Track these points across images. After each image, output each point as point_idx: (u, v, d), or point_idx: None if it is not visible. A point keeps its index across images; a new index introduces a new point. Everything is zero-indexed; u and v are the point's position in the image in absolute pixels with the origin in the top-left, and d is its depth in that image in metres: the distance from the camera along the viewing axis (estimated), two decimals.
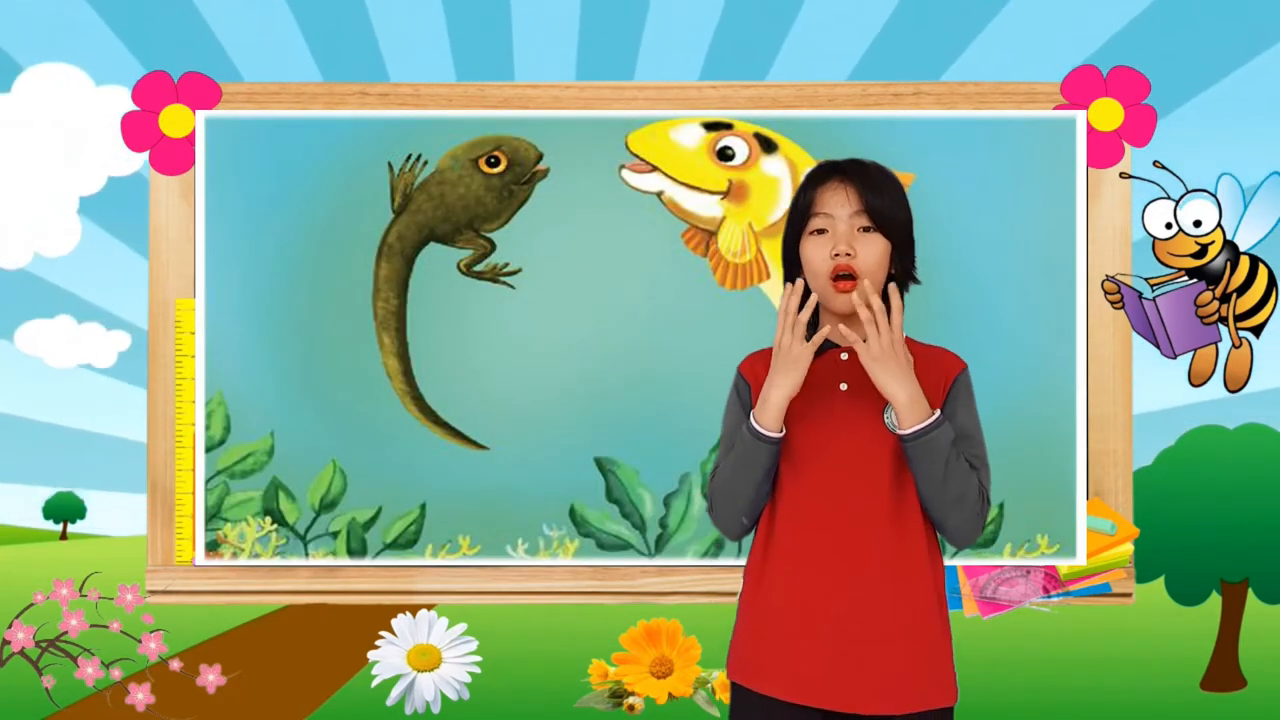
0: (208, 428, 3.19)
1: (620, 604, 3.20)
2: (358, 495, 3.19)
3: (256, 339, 3.19)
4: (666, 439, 3.17)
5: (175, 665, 3.10)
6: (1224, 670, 3.58)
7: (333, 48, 3.84)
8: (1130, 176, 3.14)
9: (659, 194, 3.20)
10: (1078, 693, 3.98)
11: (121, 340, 3.49)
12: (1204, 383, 3.09)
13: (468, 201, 3.20)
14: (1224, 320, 3.04)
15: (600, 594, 3.20)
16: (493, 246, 3.20)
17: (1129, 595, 3.19)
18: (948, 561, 3.09)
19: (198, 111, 3.18)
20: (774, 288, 3.18)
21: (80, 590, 3.10)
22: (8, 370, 3.70)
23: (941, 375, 2.09)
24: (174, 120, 3.18)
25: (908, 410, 2.00)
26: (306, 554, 3.19)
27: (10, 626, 3.10)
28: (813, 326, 2.08)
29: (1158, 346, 3.07)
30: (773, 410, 2.03)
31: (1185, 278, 3.05)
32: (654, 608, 3.15)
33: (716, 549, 3.19)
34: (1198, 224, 3.02)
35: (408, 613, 3.06)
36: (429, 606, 3.10)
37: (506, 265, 3.20)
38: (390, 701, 3.03)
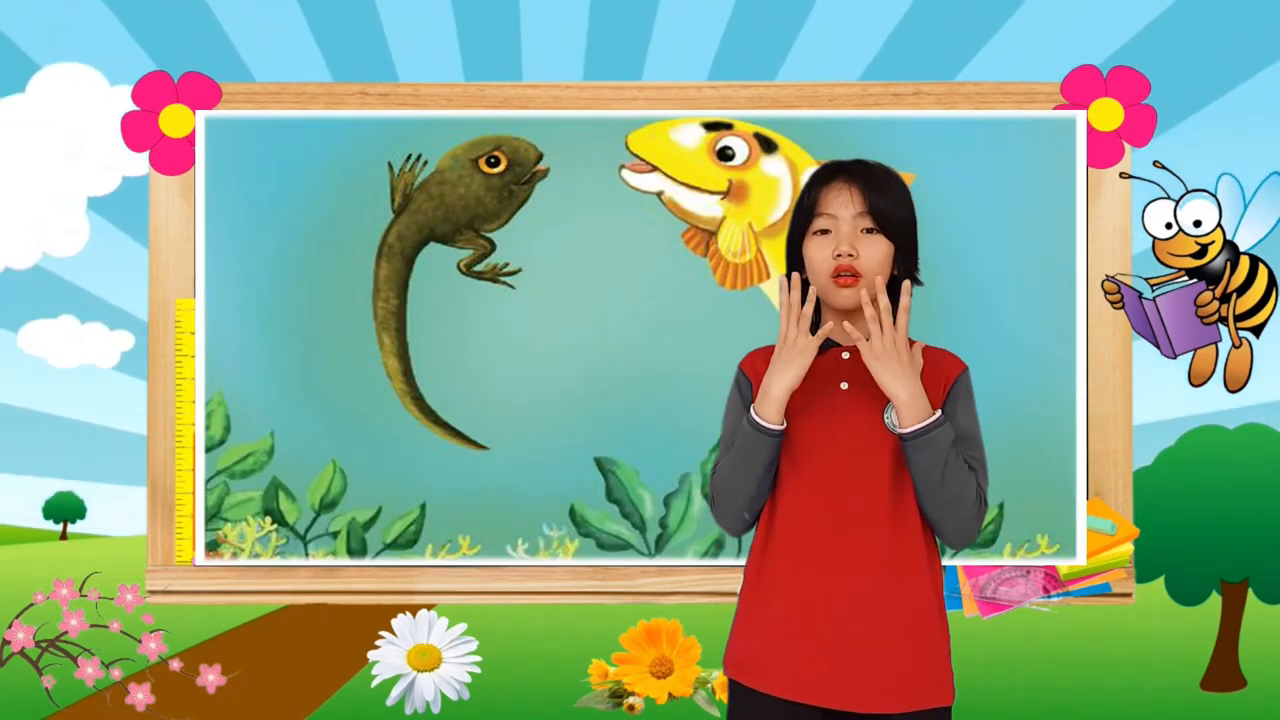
0: (208, 428, 3.19)
1: (620, 604, 3.20)
2: (358, 495, 3.19)
3: (256, 339, 3.19)
4: (666, 439, 3.17)
5: (175, 665, 3.10)
6: (1224, 670, 3.58)
7: (343, 48, 3.85)
8: (1130, 176, 3.14)
9: (659, 194, 3.20)
10: (1078, 693, 3.98)
11: (125, 340, 3.49)
12: (1204, 383, 3.09)
13: (468, 201, 3.20)
14: (1224, 320, 3.04)
15: (600, 594, 3.20)
16: (493, 246, 3.20)
17: (1129, 595, 3.19)
18: (948, 561, 3.09)
19: (198, 111, 3.18)
20: (774, 288, 3.18)
21: (80, 590, 3.10)
22: (10, 369, 3.71)
23: (942, 376, 2.10)
24: (174, 120, 3.18)
25: (908, 409, 2.00)
26: (306, 554, 3.19)
27: (10, 626, 3.10)
28: (813, 326, 2.08)
29: (1158, 346, 3.07)
30: (774, 402, 2.03)
31: (1185, 278, 3.05)
32: (654, 608, 3.15)
33: (716, 549, 3.19)
34: (1198, 224, 3.02)
35: (408, 613, 3.06)
36: (429, 606, 3.10)
37: (506, 265, 3.20)
38: (390, 701, 3.03)
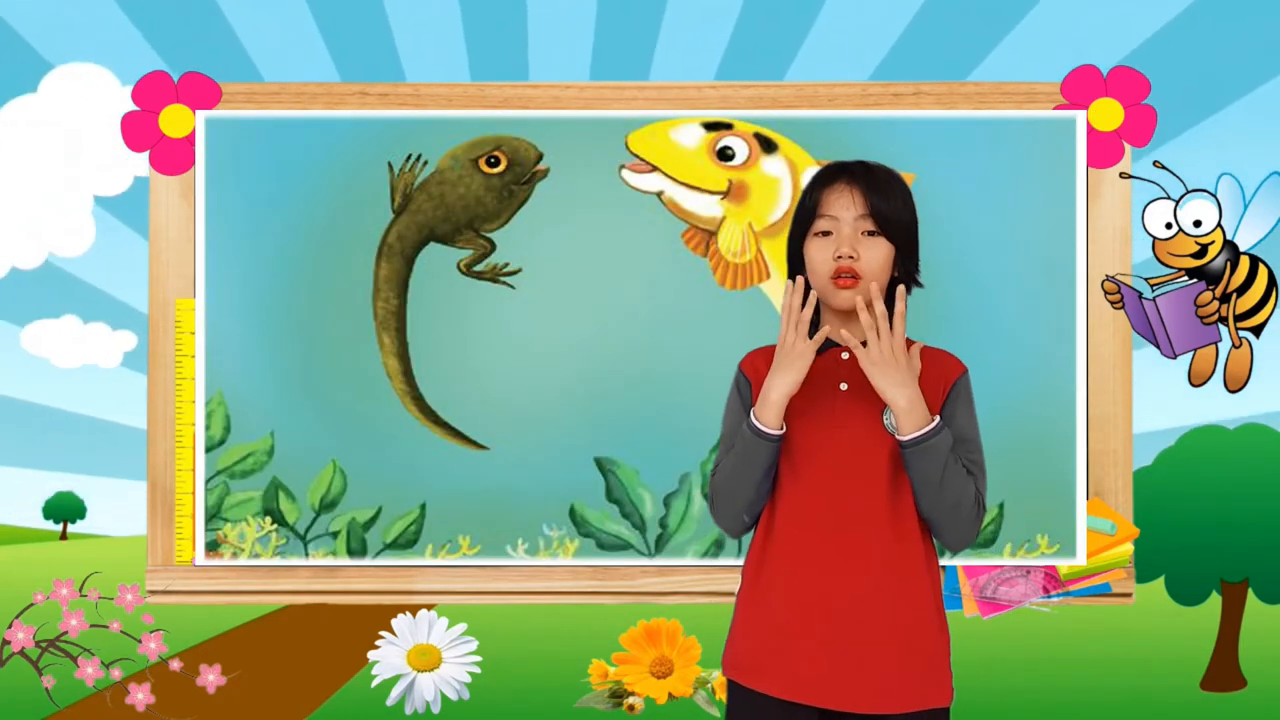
0: (208, 428, 3.19)
1: (620, 604, 3.20)
2: (358, 495, 3.19)
3: (256, 339, 3.19)
4: (666, 439, 3.17)
5: (175, 665, 3.10)
6: (1224, 670, 3.58)
7: (350, 48, 3.85)
8: (1130, 176, 3.14)
9: (659, 194, 3.20)
10: (1078, 693, 3.98)
11: (128, 340, 3.49)
12: (1204, 383, 3.09)
13: (468, 201, 3.20)
14: (1224, 320, 3.04)
15: (600, 594, 3.20)
16: (493, 246, 3.20)
17: (1129, 595, 3.19)
18: (948, 562, 3.09)
19: (198, 111, 3.18)
20: (774, 288, 3.18)
21: (80, 590, 3.10)
22: (13, 369, 3.71)
23: (941, 378, 2.10)
24: (174, 120, 3.18)
25: (907, 416, 2.00)
26: (306, 554, 3.19)
27: (10, 626, 3.10)
28: (814, 326, 2.08)
29: (1158, 346, 3.07)
30: (773, 407, 2.03)
31: (1185, 278, 3.05)
32: (654, 608, 3.15)
33: (716, 549, 3.19)
34: (1198, 224, 3.02)
35: (408, 613, 3.07)
36: (429, 606, 3.10)
37: (506, 265, 3.20)
38: (390, 701, 3.03)
